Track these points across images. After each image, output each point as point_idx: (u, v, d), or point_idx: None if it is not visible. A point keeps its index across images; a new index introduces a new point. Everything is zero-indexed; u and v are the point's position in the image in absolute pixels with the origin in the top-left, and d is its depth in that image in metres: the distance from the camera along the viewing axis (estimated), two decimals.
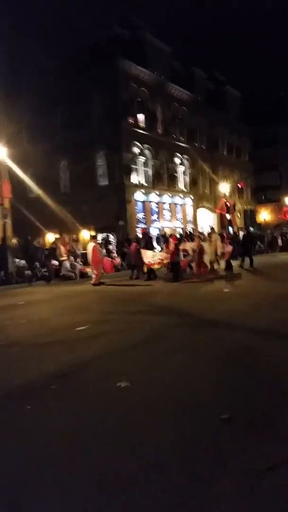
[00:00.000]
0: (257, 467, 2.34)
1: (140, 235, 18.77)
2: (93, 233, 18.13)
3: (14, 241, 15.55)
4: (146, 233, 15.75)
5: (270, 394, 3.39)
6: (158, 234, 23.36)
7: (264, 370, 3.99)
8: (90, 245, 12.99)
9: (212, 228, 18.52)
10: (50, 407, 3.37)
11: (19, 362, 4.79)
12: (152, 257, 13.17)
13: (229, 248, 14.54)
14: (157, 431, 2.82)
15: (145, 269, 13.22)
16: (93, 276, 12.61)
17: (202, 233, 18.71)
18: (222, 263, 14.67)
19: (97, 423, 3.00)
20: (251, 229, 32.58)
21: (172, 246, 13.01)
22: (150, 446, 2.64)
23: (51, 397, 3.57)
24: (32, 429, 2.99)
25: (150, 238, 15.81)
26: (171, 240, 13.90)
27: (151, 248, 14.10)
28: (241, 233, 27.49)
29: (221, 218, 30.66)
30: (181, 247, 13.83)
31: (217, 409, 3.07)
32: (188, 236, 19.01)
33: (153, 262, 13.05)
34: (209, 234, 16.23)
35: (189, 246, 14.28)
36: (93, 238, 13.95)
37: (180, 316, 7.09)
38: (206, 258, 14.02)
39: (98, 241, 13.84)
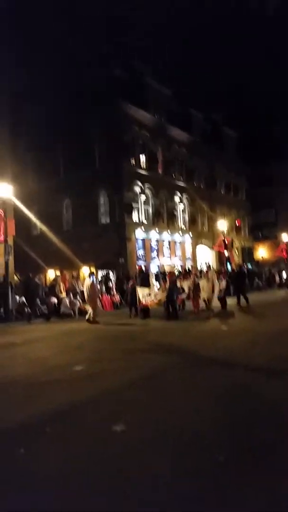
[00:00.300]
0: (257, 502, 2.38)
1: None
2: (93, 270, 18.19)
3: (16, 278, 15.75)
4: (142, 269, 15.31)
5: (270, 432, 3.42)
6: (157, 271, 23.61)
7: (263, 408, 4.02)
8: (87, 282, 12.92)
9: (208, 265, 18.38)
10: (46, 447, 3.37)
11: (16, 401, 4.81)
12: (148, 295, 12.90)
13: (223, 284, 14.43)
14: (156, 470, 2.84)
15: (140, 307, 12.97)
16: (90, 312, 12.37)
17: (200, 271, 18.20)
18: (216, 300, 14.51)
19: (94, 462, 3.03)
20: (249, 266, 32.76)
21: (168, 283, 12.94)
22: (148, 484, 2.67)
23: (47, 437, 3.57)
24: (27, 469, 3.00)
25: (146, 275, 15.32)
26: (167, 277, 13.81)
27: (147, 285, 13.87)
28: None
29: (220, 255, 31.06)
30: (178, 284, 13.90)
31: (218, 447, 3.10)
32: (187, 273, 18.99)
33: (149, 301, 12.76)
34: (206, 271, 15.98)
35: (186, 283, 14.32)
36: (91, 274, 13.78)
37: (178, 354, 7.15)
38: (202, 295, 13.92)
39: (94, 278, 13.41)
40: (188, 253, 31.45)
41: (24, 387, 5.44)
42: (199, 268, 25.34)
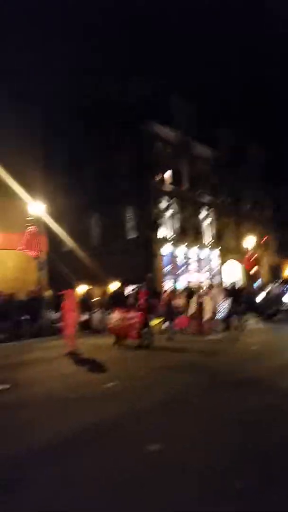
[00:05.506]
0: None
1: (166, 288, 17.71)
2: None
3: (48, 293, 16.16)
4: (123, 283, 12.64)
5: None
6: (185, 286, 23.52)
7: None
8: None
9: (211, 282, 16.74)
10: (79, 466, 3.42)
11: (49, 417, 4.89)
12: (122, 319, 11.01)
13: (226, 304, 13.43)
14: (180, 497, 2.85)
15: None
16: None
17: (200, 287, 15.96)
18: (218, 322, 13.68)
19: (127, 480, 3.11)
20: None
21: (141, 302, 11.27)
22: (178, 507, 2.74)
23: (80, 456, 3.63)
24: (60, 487, 3.06)
25: (120, 293, 12.57)
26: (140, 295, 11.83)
27: (122, 305, 11.91)
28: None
29: (247, 271, 30.68)
30: (174, 302, 12.94)
31: (237, 475, 3.11)
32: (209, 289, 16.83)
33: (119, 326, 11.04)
34: (208, 288, 14.49)
35: (181, 301, 13.67)
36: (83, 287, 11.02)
37: (204, 374, 7.14)
38: (206, 315, 12.98)
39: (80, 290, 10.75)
40: (216, 269, 31.26)
41: (57, 403, 5.56)
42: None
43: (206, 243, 30.83)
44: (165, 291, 13.70)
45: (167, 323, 12.21)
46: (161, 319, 13.00)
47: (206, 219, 31.34)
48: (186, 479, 3.16)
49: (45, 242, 17.34)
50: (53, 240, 21.88)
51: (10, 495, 3.00)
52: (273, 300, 16.78)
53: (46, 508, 2.82)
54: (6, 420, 4.98)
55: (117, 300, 11.92)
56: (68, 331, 10.01)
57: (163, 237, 26.85)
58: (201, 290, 14.31)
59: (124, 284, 12.74)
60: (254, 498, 2.85)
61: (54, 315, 14.72)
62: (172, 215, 27.98)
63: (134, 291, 19.19)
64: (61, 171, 28.34)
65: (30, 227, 16.17)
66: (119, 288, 12.82)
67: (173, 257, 27.26)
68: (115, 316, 11.24)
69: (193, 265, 28.99)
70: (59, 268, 21.22)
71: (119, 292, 12.63)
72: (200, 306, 12.99)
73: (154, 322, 12.31)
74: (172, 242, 27.24)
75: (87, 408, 5.21)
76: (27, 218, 16.24)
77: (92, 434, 4.15)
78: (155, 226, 25.89)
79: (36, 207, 16.26)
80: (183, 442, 3.89)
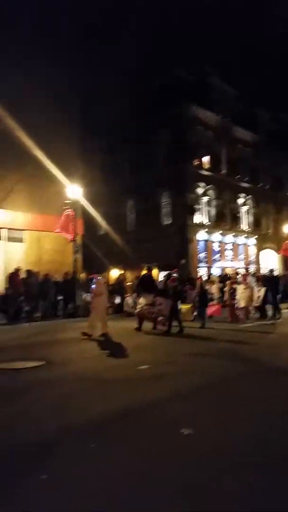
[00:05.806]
0: None
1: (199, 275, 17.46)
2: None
3: (83, 275, 16.51)
4: (149, 269, 12.00)
5: None
6: (220, 273, 23.20)
7: None
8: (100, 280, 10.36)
9: (247, 269, 16.15)
10: (110, 449, 3.40)
11: (80, 399, 4.92)
12: (151, 304, 10.80)
13: (262, 292, 13.15)
14: (217, 489, 2.78)
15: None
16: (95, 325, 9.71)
17: (237, 273, 15.45)
18: (253, 310, 13.50)
19: (161, 465, 3.10)
20: None
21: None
22: (214, 496, 2.67)
23: (112, 439, 3.62)
24: (90, 471, 3.02)
25: (149, 278, 11.94)
26: (169, 282, 11.70)
27: (150, 290, 11.30)
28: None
29: (286, 260, 29.72)
30: (207, 289, 12.87)
31: (255, 469, 3.00)
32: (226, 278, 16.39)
33: (146, 312, 10.84)
34: (244, 276, 14.12)
35: (215, 288, 13.40)
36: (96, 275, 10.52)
37: (234, 362, 7.01)
38: (241, 303, 12.82)
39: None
40: (252, 257, 30.54)
41: (90, 384, 5.63)
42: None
43: (243, 230, 30.09)
44: (199, 277, 13.37)
45: (199, 310, 12.09)
46: (191, 305, 12.96)
47: (244, 206, 30.50)
48: (201, 470, 3.07)
49: (81, 226, 17.62)
50: (89, 224, 22.23)
51: (29, 481, 2.95)
52: None
53: (64, 492, 2.82)
54: (38, 397, 5.09)
55: (145, 285, 11.48)
56: (92, 315, 10.06)
57: (199, 223, 26.48)
58: (236, 278, 14.01)
59: (150, 269, 12.39)
60: (266, 493, 2.75)
61: (88, 296, 15.05)
62: (209, 201, 27.46)
63: (165, 277, 19.21)
64: (99, 155, 28.52)
65: (67, 210, 16.44)
66: (147, 273, 12.17)
67: (208, 243, 26.87)
68: (142, 301, 11.11)
69: (229, 252, 28.46)
70: (93, 252, 21.62)
71: (146, 277, 11.95)
72: (234, 293, 12.85)
73: (184, 308, 12.29)
74: (208, 228, 26.81)
75: (113, 391, 5.22)
76: (64, 201, 16.50)
77: (117, 418, 4.12)
78: (191, 212, 25.54)
79: (74, 191, 16.48)
80: (207, 430, 3.80)
